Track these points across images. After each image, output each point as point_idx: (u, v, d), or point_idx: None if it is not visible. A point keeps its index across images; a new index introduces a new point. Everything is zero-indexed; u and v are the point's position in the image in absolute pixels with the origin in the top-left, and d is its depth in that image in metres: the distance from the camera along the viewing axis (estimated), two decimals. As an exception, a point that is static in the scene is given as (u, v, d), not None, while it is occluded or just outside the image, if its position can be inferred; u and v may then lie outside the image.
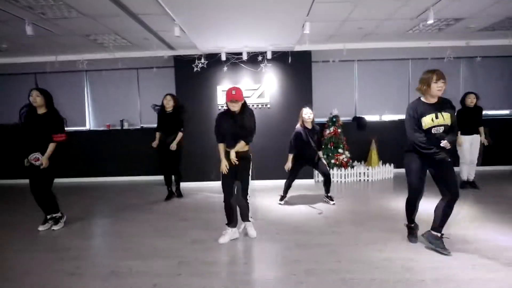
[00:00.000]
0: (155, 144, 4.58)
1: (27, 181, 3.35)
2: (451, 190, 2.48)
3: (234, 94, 2.78)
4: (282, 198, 4.40)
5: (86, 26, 4.10)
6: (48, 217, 3.44)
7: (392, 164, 5.94)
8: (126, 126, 6.56)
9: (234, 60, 5.48)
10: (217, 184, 5.60)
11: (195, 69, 5.47)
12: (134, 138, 6.43)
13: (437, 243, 2.58)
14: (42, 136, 3.24)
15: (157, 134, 4.62)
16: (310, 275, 2.31)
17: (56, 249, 2.94)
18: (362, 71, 6.53)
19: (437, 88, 2.33)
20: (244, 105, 2.92)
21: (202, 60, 5.44)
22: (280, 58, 5.48)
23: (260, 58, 5.45)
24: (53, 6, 3.44)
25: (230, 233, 3.00)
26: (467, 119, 4.59)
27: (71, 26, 4.08)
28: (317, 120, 6.14)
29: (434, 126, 2.43)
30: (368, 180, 5.75)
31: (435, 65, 6.09)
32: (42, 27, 4.05)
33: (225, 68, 5.49)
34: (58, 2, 3.32)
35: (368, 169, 5.78)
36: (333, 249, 2.77)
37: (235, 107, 2.83)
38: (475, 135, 4.68)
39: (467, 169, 4.75)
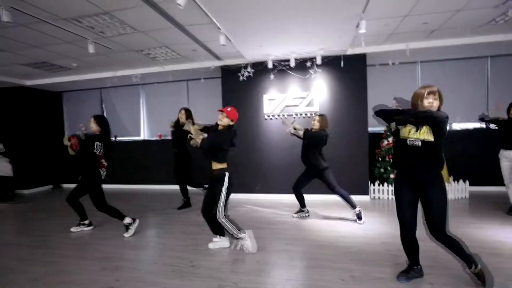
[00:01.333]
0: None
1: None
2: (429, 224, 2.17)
3: (227, 110, 2.86)
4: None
5: (138, 40, 4.28)
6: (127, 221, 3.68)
7: (466, 181, 5.00)
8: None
9: (281, 67, 5.24)
10: (260, 197, 5.43)
11: (241, 78, 5.38)
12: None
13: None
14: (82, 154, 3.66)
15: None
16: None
17: (100, 257, 2.97)
18: (426, 74, 5.74)
19: (428, 104, 2.13)
20: (230, 126, 2.92)
21: (249, 69, 5.33)
22: (331, 63, 5.08)
23: (309, 64, 5.13)
24: (110, 25, 3.65)
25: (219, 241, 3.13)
26: (508, 132, 3.83)
27: (125, 42, 4.31)
28: (373, 129, 5.57)
29: (409, 139, 2.15)
30: None
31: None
32: (102, 45, 4.36)
33: (272, 76, 5.29)
34: (113, 20, 3.49)
35: None
36: (396, 285, 2.26)
37: (220, 121, 2.88)
38: None
39: None
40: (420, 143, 2.10)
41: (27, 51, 4.57)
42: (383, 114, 2.28)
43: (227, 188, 2.89)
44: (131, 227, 3.62)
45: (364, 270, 2.55)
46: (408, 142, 2.15)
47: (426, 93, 2.14)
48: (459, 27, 4.10)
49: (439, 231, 2.14)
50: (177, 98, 6.87)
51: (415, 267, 2.37)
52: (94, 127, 3.57)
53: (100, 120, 3.63)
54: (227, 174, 2.89)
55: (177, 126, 4.66)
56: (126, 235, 3.56)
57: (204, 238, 3.37)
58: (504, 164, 3.94)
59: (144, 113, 7.16)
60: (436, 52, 5.07)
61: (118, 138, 7.24)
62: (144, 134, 7.16)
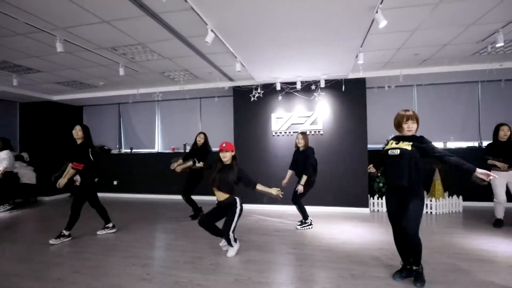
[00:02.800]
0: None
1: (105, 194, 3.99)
2: (401, 224, 2.52)
3: (224, 146, 3.29)
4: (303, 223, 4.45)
5: (163, 65, 4.85)
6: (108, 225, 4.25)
7: (460, 197, 5.37)
8: (188, 149, 7.24)
9: (288, 89, 5.77)
10: (267, 208, 5.82)
11: (252, 98, 5.91)
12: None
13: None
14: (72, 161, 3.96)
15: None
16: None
17: (127, 256, 3.37)
18: (422, 96, 6.23)
19: (407, 128, 2.57)
20: (234, 157, 3.39)
21: (259, 90, 5.87)
22: (333, 86, 5.60)
23: (313, 87, 5.65)
24: (141, 52, 4.21)
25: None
26: (499, 154, 4.22)
27: (151, 66, 4.87)
28: (373, 147, 6.01)
29: (391, 148, 2.60)
30: (431, 212, 5.26)
31: (509, 88, 5.63)
32: (130, 68, 4.92)
33: (280, 97, 5.81)
34: (145, 48, 4.05)
35: (431, 201, 5.31)
36: (390, 283, 2.63)
37: (225, 158, 3.31)
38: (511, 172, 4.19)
39: (502, 208, 4.28)
40: (398, 152, 2.53)
41: (63, 72, 5.15)
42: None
43: (240, 210, 3.36)
44: (107, 230, 4.24)
45: (362, 270, 2.92)
46: (389, 152, 2.60)
47: (405, 119, 2.58)
48: (448, 57, 4.62)
49: (408, 229, 2.46)
50: (190, 115, 7.41)
51: (408, 266, 2.72)
52: (79, 134, 3.91)
53: (85, 128, 4.00)
54: (237, 199, 3.37)
55: (195, 147, 5.15)
56: (99, 232, 4.21)
57: (218, 241, 3.76)
58: (498, 182, 4.19)
59: (158, 127, 7.69)
60: (430, 77, 5.58)
61: (134, 150, 7.74)
62: (158, 147, 7.66)
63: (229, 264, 3.12)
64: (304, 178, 4.18)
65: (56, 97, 7.20)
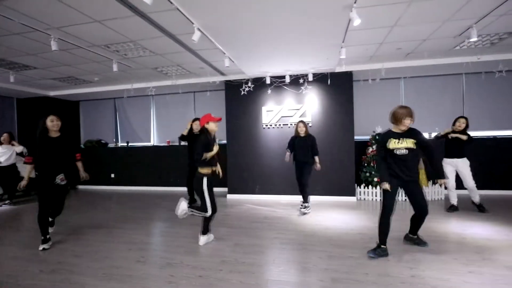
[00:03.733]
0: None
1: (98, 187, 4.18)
2: (420, 206, 3.01)
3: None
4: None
5: (155, 61, 5.02)
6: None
7: (442, 185, 5.63)
8: (183, 142, 7.46)
9: (278, 83, 5.96)
10: (260, 197, 6.08)
11: (242, 92, 6.10)
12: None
13: (415, 241, 3.27)
14: (63, 156, 3.57)
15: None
16: (336, 283, 2.51)
17: (124, 241, 3.63)
18: (409, 88, 6.43)
19: (406, 125, 2.92)
20: (202, 130, 3.40)
21: (249, 84, 6.05)
22: (321, 79, 5.79)
23: (301, 80, 5.84)
24: (133, 49, 4.38)
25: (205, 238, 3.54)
26: (452, 143, 4.59)
27: (143, 62, 5.04)
28: (359, 138, 6.25)
29: (396, 148, 2.93)
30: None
31: (489, 80, 5.83)
32: (123, 64, 5.09)
33: (269, 91, 6.00)
34: (137, 45, 4.23)
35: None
36: (363, 262, 2.90)
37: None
38: (458, 159, 4.58)
39: (454, 194, 4.71)
40: (406, 151, 2.90)
41: (59, 68, 5.32)
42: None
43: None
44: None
45: (339, 251, 3.18)
46: (397, 152, 2.92)
47: (406, 116, 2.90)
48: (429, 51, 4.81)
49: (427, 207, 3.01)
50: (184, 108, 7.60)
51: (383, 246, 3.01)
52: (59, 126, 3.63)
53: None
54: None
55: (191, 133, 5.10)
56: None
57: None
58: (448, 170, 4.64)
59: (154, 121, 7.89)
60: (416, 70, 5.77)
61: (130, 144, 7.95)
62: (154, 140, 7.87)
63: (218, 247, 3.38)
64: (317, 158, 4.75)
65: (53, 93, 7.37)
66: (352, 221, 4.34)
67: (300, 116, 5.94)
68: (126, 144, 7.97)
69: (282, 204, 5.52)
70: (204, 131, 3.35)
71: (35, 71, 5.41)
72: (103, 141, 8.16)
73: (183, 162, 7.20)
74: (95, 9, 3.10)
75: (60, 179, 3.49)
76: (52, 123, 3.55)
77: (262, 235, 3.80)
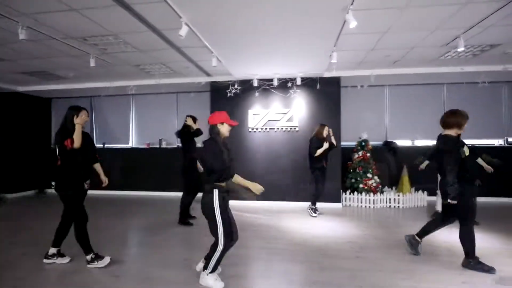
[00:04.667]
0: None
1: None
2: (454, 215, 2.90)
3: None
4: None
5: (138, 58, 4.71)
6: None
7: (425, 192, 5.70)
8: (164, 145, 7.13)
9: (266, 86, 5.82)
10: (244, 203, 5.86)
11: (228, 94, 5.90)
12: (171, 156, 6.95)
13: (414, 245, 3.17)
14: (89, 158, 3.08)
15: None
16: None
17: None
18: (393, 96, 6.51)
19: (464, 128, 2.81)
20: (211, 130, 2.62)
21: (236, 86, 5.86)
22: (309, 84, 5.71)
23: (290, 84, 5.74)
24: (113, 43, 4.06)
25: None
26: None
27: (125, 58, 4.72)
28: (345, 144, 6.22)
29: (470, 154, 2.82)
30: (399, 207, 5.55)
31: (471, 90, 6.02)
32: (102, 59, 4.73)
33: (257, 94, 5.84)
34: (118, 39, 3.92)
35: (398, 196, 5.60)
36: (356, 274, 2.77)
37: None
38: None
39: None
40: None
41: (29, 61, 4.86)
42: None
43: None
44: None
45: (330, 262, 3.04)
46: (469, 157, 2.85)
47: (466, 121, 2.78)
48: (416, 60, 4.87)
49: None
50: (166, 109, 7.27)
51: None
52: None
53: None
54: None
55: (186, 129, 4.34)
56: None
57: (186, 231, 3.76)
58: None
59: (133, 122, 7.47)
60: (402, 77, 5.83)
61: (106, 145, 7.48)
62: (132, 142, 7.45)
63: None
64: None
65: (22, 88, 6.79)
66: (340, 228, 4.23)
67: (287, 121, 5.82)
68: (102, 145, 7.48)
69: (267, 210, 5.34)
70: (214, 132, 2.56)
71: (2, 63, 4.92)
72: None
73: (164, 165, 6.87)
74: (72, -4, 2.81)
75: (88, 184, 3.01)
76: (85, 119, 2.93)
77: (249, 244, 3.58)
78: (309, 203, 5.04)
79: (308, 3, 2.82)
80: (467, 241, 2.79)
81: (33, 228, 4.23)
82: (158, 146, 7.13)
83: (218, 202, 2.37)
